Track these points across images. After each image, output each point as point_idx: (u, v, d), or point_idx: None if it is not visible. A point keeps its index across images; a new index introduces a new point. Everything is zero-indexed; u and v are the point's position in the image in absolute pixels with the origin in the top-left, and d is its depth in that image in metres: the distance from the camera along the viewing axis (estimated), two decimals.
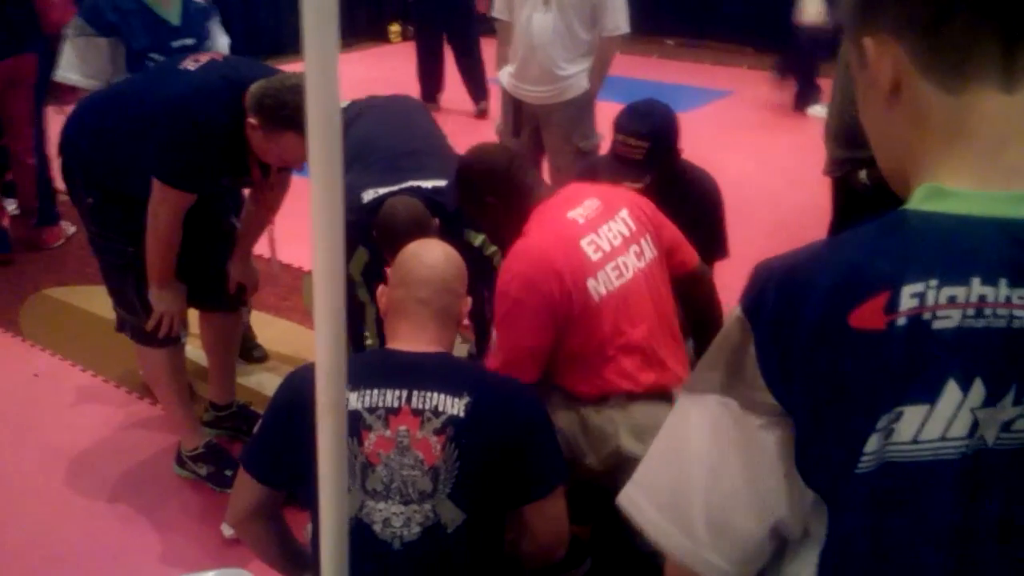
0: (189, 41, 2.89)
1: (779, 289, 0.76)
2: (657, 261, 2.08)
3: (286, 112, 2.17)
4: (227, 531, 2.45)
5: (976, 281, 0.70)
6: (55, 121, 2.60)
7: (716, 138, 5.26)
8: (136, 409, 3.12)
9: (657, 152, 2.44)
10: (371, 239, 2.48)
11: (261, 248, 2.79)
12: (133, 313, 2.58)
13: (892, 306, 0.71)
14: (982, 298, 0.70)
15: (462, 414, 1.57)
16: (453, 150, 2.87)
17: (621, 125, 2.48)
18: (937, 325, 0.70)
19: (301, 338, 3.49)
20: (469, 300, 1.84)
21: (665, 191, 2.50)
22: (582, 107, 3.62)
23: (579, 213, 2.01)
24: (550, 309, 1.91)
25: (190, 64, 2.37)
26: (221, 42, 3.13)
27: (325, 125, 0.76)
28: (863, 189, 2.49)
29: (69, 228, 4.41)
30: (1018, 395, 0.71)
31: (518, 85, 3.64)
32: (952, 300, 0.70)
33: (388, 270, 1.85)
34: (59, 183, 2.74)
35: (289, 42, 7.62)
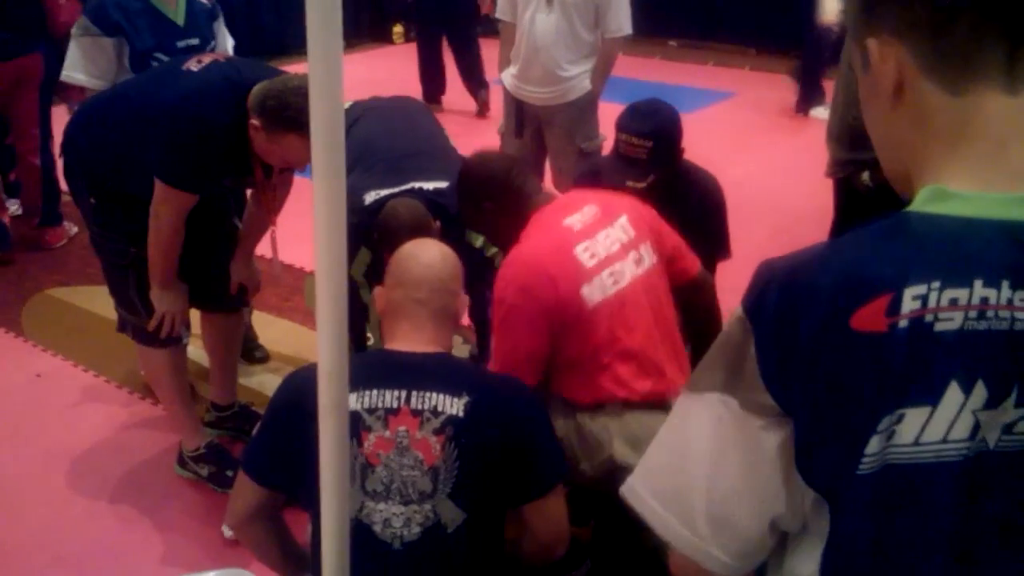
0: (194, 41, 2.89)
1: (781, 290, 0.76)
2: (657, 268, 2.06)
3: (288, 114, 2.17)
4: (228, 532, 2.45)
5: (978, 283, 0.70)
6: (66, 120, 2.60)
7: (718, 139, 5.26)
8: (138, 409, 3.12)
9: (661, 151, 2.44)
10: (373, 241, 2.48)
11: (263, 249, 2.79)
12: (135, 313, 2.58)
13: (894, 308, 0.71)
14: (984, 300, 0.70)
15: (461, 414, 1.57)
16: (456, 151, 2.87)
17: (624, 124, 2.48)
18: (939, 327, 0.70)
19: (303, 339, 3.49)
20: (466, 299, 1.84)
21: (667, 191, 2.50)
22: (585, 108, 3.62)
23: (576, 219, 2.01)
24: (545, 315, 1.91)
25: (192, 65, 2.37)
26: (226, 43, 3.14)
27: (328, 125, 0.76)
28: (866, 191, 2.49)
29: (72, 229, 4.41)
30: (1020, 397, 0.71)
31: (521, 86, 3.64)
32: (954, 302, 0.70)
33: None
34: (63, 183, 2.74)
35: (293, 43, 7.65)
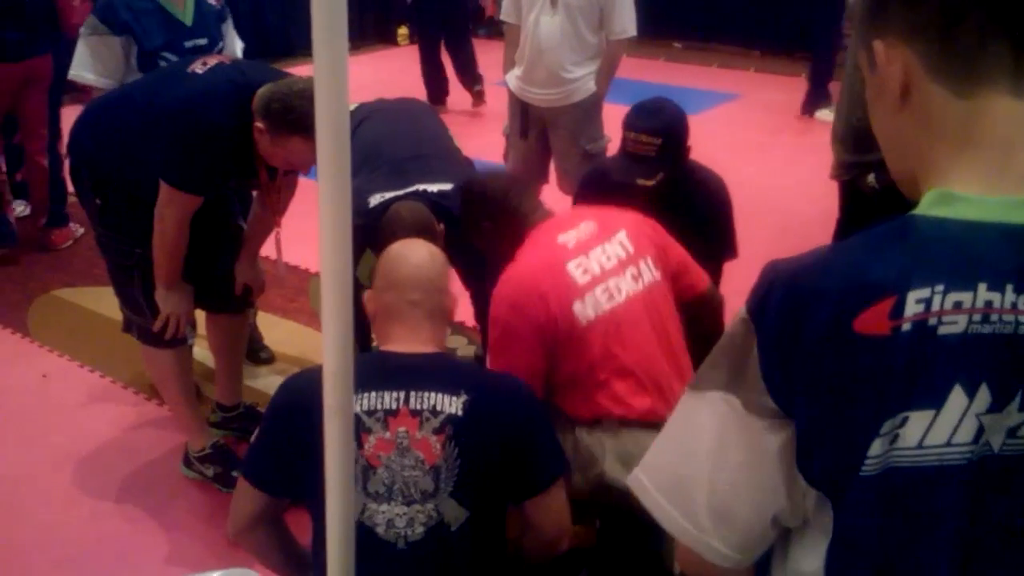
0: (202, 41, 2.90)
1: (784, 292, 0.76)
2: (659, 284, 2.04)
3: (293, 116, 2.17)
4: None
5: (983, 287, 0.70)
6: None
7: (723, 141, 5.25)
8: (144, 410, 3.12)
9: (669, 148, 2.43)
10: (378, 243, 2.48)
11: (268, 250, 2.79)
12: (140, 314, 2.59)
13: (897, 311, 0.71)
14: (988, 304, 0.70)
15: (460, 412, 1.58)
16: (461, 153, 2.87)
17: (632, 123, 2.48)
18: (943, 331, 0.71)
19: (308, 340, 3.49)
20: (457, 296, 1.84)
21: (674, 190, 2.50)
22: (589, 110, 3.63)
23: (571, 236, 2.01)
24: (538, 333, 1.90)
25: (198, 67, 2.37)
26: (235, 45, 3.14)
27: (334, 127, 0.76)
28: (871, 193, 2.48)
29: (78, 229, 4.43)
30: None
31: (525, 88, 3.64)
32: (958, 306, 0.70)
33: None
34: (70, 184, 2.75)
35: (298, 44, 7.66)
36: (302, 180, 2.67)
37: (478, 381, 1.67)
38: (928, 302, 0.71)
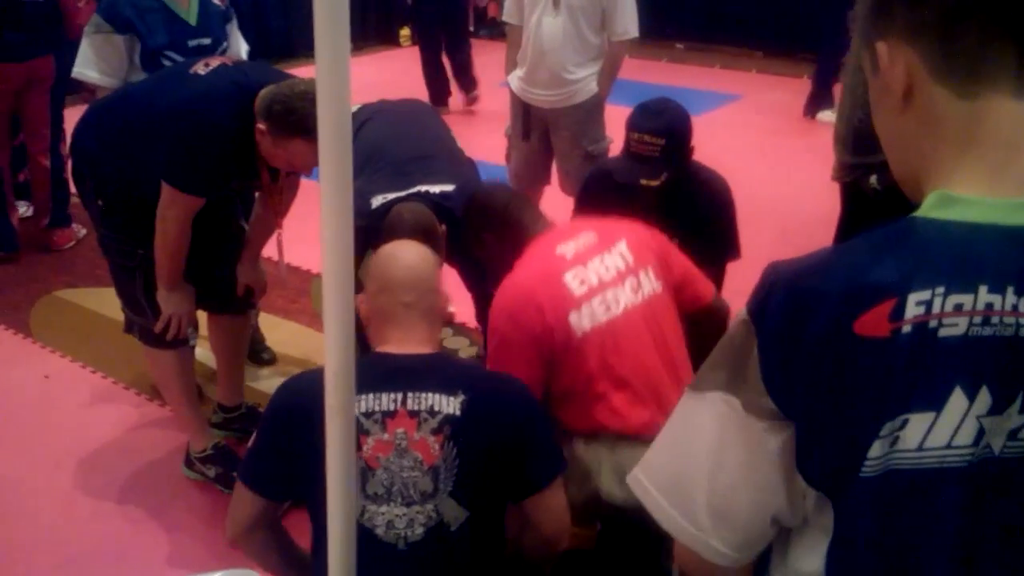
0: (206, 41, 2.90)
1: (785, 294, 0.76)
2: (661, 295, 2.02)
3: (294, 118, 2.18)
4: None
5: (983, 289, 0.70)
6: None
7: (725, 142, 5.25)
8: (145, 411, 3.13)
9: (673, 148, 2.43)
10: (380, 244, 2.48)
11: (270, 251, 2.80)
12: (141, 315, 2.59)
13: (897, 314, 0.71)
14: (989, 306, 0.70)
15: (458, 412, 1.58)
16: (463, 154, 2.88)
17: (636, 123, 2.47)
18: (943, 333, 0.70)
19: (310, 341, 3.49)
20: (448, 294, 1.85)
21: (677, 191, 2.50)
22: (591, 111, 3.62)
23: (569, 247, 2.00)
24: (534, 343, 1.90)
25: (200, 69, 2.38)
26: (240, 47, 3.15)
27: (336, 128, 0.76)
28: (873, 194, 2.48)
29: (80, 230, 4.43)
30: None
31: (527, 89, 3.65)
32: (959, 308, 0.70)
33: None
34: (72, 185, 2.75)
35: (300, 45, 7.67)
36: (304, 181, 2.67)
37: (475, 381, 1.67)
38: (928, 304, 0.71)
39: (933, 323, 0.71)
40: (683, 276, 2.10)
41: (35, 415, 3.10)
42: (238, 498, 1.73)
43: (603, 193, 2.68)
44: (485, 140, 4.03)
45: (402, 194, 2.51)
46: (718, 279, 2.64)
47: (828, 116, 5.99)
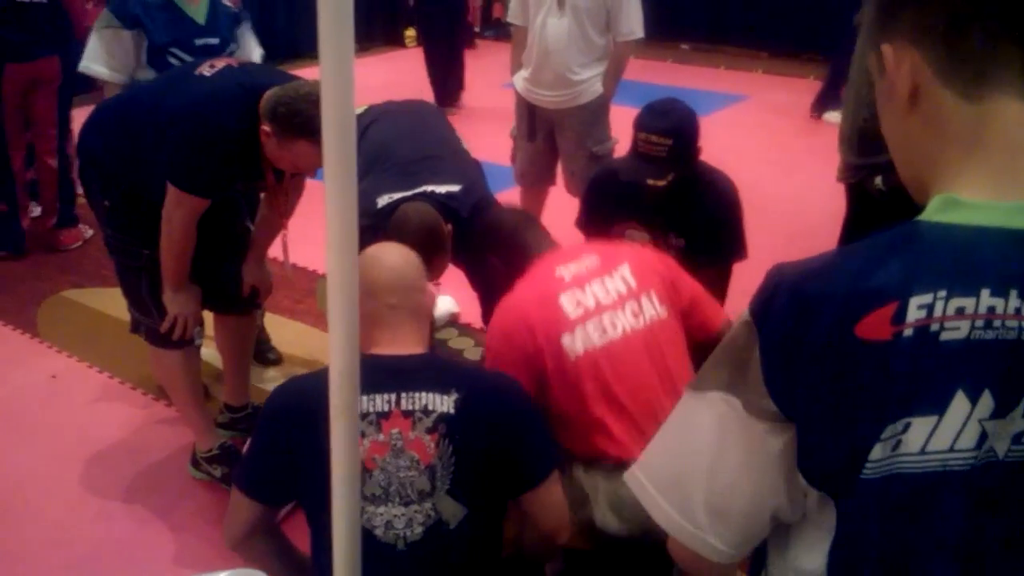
0: (213, 41, 2.91)
1: (788, 297, 0.76)
2: (664, 320, 1.97)
3: (299, 120, 2.18)
4: None
5: (985, 292, 0.70)
6: None
7: (731, 143, 5.25)
8: (152, 411, 3.14)
9: (680, 149, 2.43)
10: None
11: (275, 251, 2.80)
12: (147, 315, 2.60)
13: (899, 317, 0.71)
14: (991, 309, 0.70)
15: (452, 410, 1.58)
16: (469, 154, 2.88)
17: (643, 123, 2.47)
18: (945, 336, 0.70)
19: (315, 340, 3.50)
20: (434, 291, 1.85)
21: (684, 191, 2.50)
22: (596, 111, 3.62)
23: (569, 269, 1.99)
24: (526, 363, 1.89)
25: (205, 70, 2.38)
26: (254, 50, 3.15)
27: (340, 128, 0.76)
28: (878, 195, 2.48)
29: (87, 231, 4.45)
30: None
31: (532, 90, 3.65)
32: (961, 311, 0.70)
33: None
34: (79, 185, 2.76)
35: (305, 46, 7.68)
36: (310, 182, 2.67)
37: (468, 378, 1.68)
38: (930, 308, 0.71)
39: (935, 327, 0.70)
40: (692, 301, 2.06)
41: (42, 415, 3.11)
42: (235, 505, 1.72)
43: (608, 193, 2.69)
44: (490, 141, 4.03)
45: (408, 194, 2.51)
46: (724, 279, 2.64)
47: (834, 117, 5.98)
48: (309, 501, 1.64)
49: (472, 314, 3.33)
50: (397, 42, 9.14)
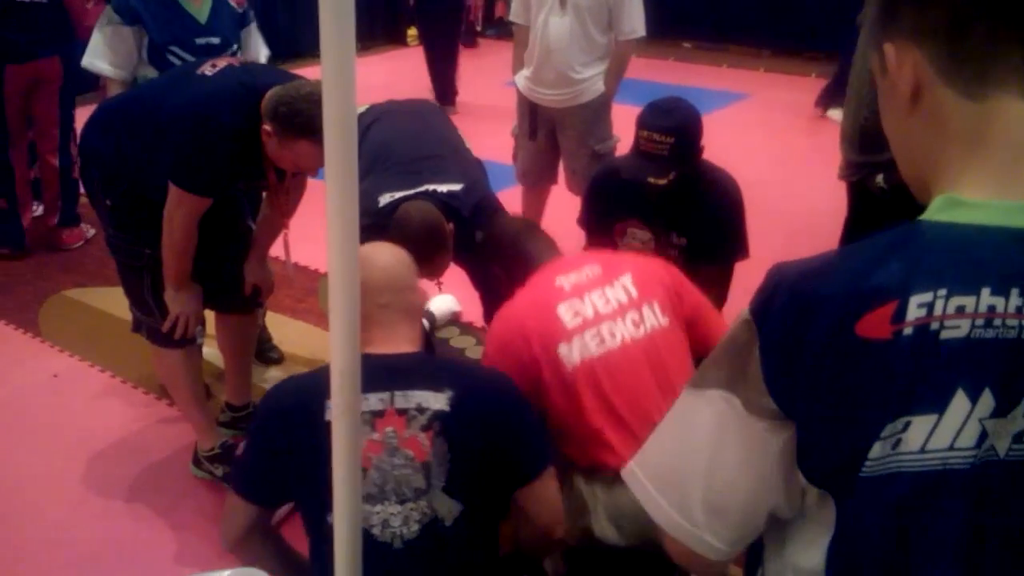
0: (215, 40, 2.91)
1: (788, 295, 0.76)
2: (666, 330, 1.95)
3: (300, 120, 2.18)
4: None
5: (986, 291, 0.70)
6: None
7: (733, 141, 5.23)
8: (154, 410, 3.14)
9: (682, 147, 2.43)
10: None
11: (277, 250, 2.80)
12: (149, 314, 2.60)
13: (899, 316, 0.71)
14: (991, 308, 0.70)
15: (446, 407, 1.59)
16: (471, 153, 2.88)
17: (645, 122, 2.47)
18: (945, 335, 0.70)
19: (317, 340, 3.50)
20: (425, 289, 1.86)
21: (686, 190, 2.50)
22: (598, 110, 3.62)
23: (569, 279, 1.98)
24: (522, 371, 1.88)
25: (207, 69, 2.38)
26: (260, 51, 3.15)
27: (341, 127, 0.76)
28: (880, 193, 2.47)
29: (89, 230, 4.45)
30: None
31: (534, 88, 3.65)
32: (961, 310, 0.70)
33: None
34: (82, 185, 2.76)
35: (306, 45, 7.68)
36: (311, 181, 2.67)
37: (461, 375, 1.69)
38: (930, 307, 0.70)
39: (935, 325, 0.70)
40: (693, 312, 2.05)
41: (43, 414, 3.11)
42: (231, 507, 1.72)
43: (610, 191, 2.68)
44: (492, 139, 4.03)
45: (409, 192, 2.51)
46: (726, 278, 2.64)
47: (838, 114, 5.98)
48: (306, 501, 1.64)
49: (474, 313, 3.33)
50: (399, 41, 9.14)
